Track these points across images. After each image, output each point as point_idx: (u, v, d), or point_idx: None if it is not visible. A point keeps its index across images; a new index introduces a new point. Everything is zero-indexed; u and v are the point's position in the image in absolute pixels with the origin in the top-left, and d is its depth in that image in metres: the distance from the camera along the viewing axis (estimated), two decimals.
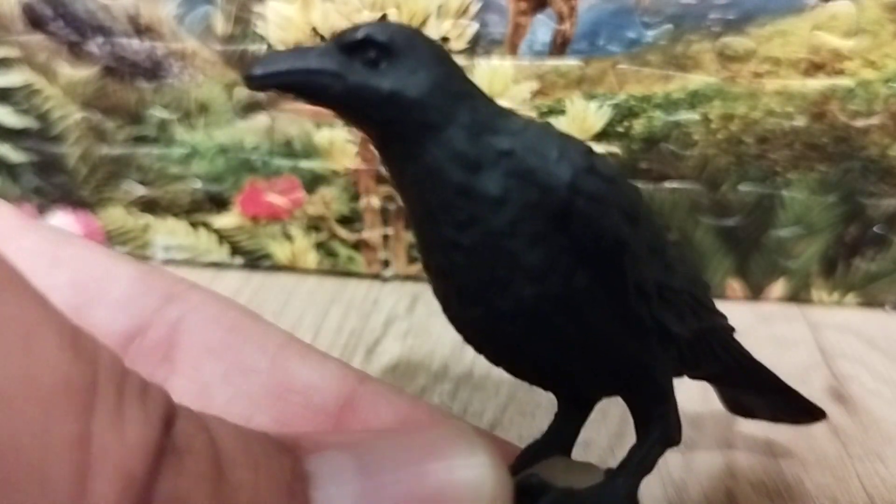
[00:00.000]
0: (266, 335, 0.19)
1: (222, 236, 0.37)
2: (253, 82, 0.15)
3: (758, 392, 0.23)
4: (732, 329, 0.20)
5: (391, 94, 0.15)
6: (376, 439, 0.14)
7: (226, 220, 0.37)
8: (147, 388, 0.11)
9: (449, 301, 0.16)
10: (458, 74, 0.16)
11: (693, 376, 0.20)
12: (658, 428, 0.17)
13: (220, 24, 0.32)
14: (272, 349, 0.19)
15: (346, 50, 0.15)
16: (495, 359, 0.17)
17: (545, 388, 0.18)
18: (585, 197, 0.15)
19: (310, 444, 0.13)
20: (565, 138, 0.15)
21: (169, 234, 0.37)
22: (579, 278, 0.15)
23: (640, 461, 0.17)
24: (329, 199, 0.35)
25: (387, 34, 0.15)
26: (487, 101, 0.16)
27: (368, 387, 0.19)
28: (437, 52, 0.15)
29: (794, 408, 0.23)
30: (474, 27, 0.31)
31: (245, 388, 0.19)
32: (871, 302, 0.35)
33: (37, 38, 0.33)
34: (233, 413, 0.14)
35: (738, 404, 0.25)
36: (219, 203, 0.36)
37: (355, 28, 0.15)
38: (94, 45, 0.33)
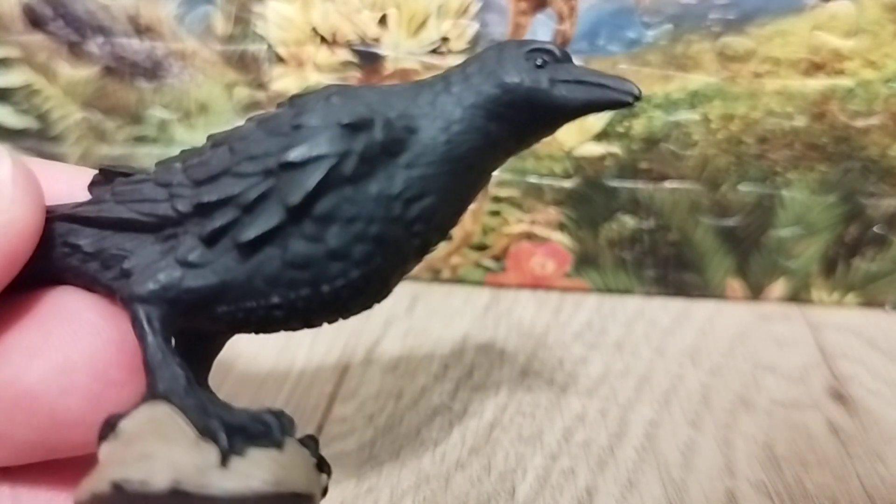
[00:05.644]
0: None
1: None
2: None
3: None
4: None
5: None
6: None
7: None
8: None
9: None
10: None
11: None
12: None
13: (220, 24, 0.32)
14: None
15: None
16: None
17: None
18: None
19: None
20: None
21: None
22: None
23: None
24: None
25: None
26: None
27: None
28: None
29: None
30: (474, 27, 0.31)
31: None
32: (871, 302, 0.35)
33: (37, 38, 0.33)
34: None
35: None
36: None
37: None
38: (94, 45, 0.33)
